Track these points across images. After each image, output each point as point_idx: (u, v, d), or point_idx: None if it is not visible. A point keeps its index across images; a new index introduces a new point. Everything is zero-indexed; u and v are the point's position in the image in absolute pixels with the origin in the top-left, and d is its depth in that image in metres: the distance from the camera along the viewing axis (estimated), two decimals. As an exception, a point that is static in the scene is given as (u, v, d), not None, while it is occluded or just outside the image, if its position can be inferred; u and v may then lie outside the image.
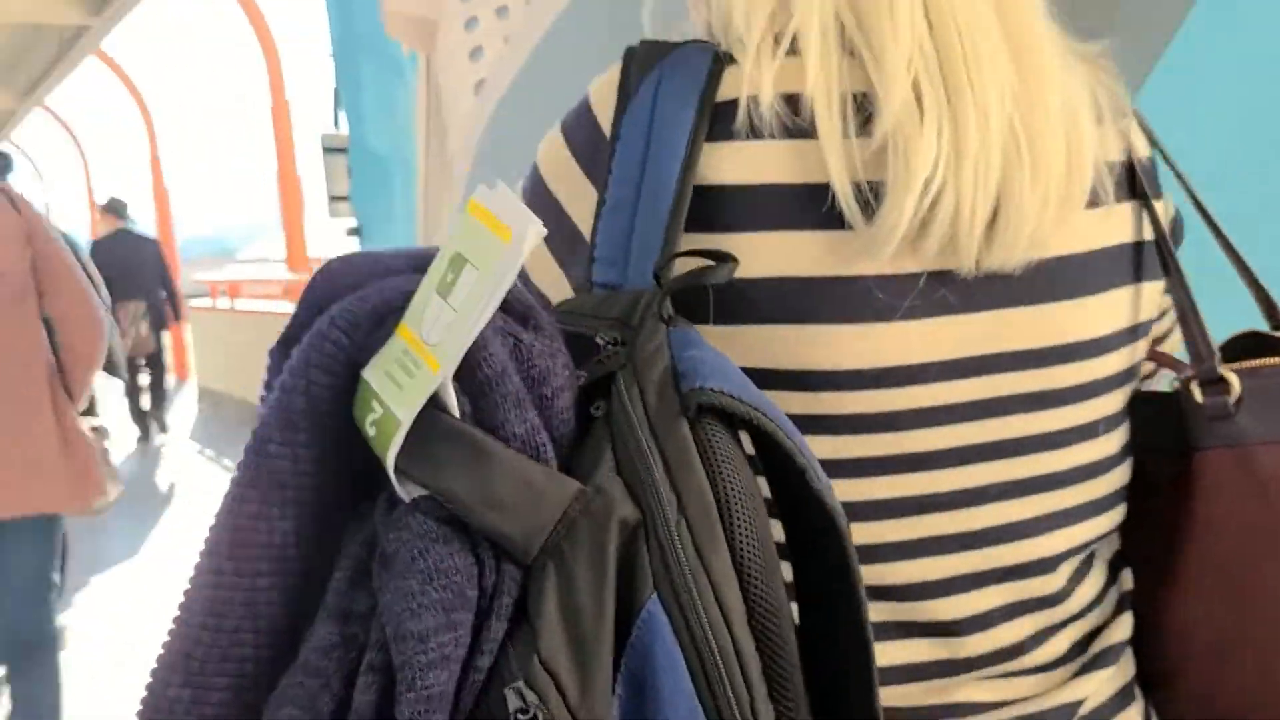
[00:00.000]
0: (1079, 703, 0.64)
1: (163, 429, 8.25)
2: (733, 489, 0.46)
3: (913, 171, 0.55)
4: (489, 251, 0.45)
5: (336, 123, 3.26)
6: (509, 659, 0.44)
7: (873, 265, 0.57)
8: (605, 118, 0.62)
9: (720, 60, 0.60)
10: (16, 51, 10.28)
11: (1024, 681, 0.64)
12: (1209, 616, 0.65)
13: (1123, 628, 0.67)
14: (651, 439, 0.47)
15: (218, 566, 0.48)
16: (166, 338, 8.11)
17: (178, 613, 0.49)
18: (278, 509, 0.48)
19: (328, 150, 3.34)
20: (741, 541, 0.46)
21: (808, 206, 0.57)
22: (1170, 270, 0.65)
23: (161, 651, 0.49)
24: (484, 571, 0.45)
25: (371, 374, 0.48)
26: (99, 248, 7.34)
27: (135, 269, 7.33)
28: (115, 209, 7.53)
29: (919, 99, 0.56)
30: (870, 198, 0.56)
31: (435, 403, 0.46)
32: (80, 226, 13.57)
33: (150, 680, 0.49)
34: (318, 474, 0.49)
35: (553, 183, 0.64)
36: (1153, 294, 0.66)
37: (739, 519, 0.46)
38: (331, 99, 3.20)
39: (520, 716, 0.42)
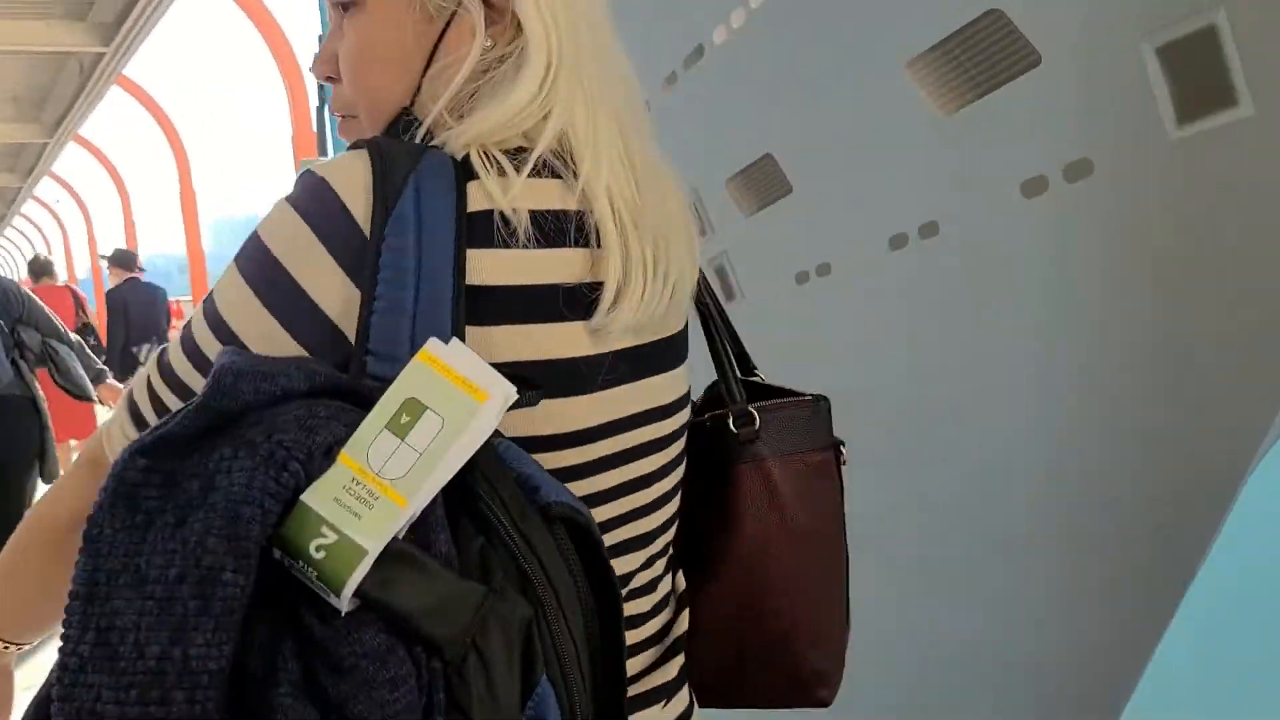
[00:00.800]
0: (671, 683, 0.85)
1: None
2: (584, 583, 0.61)
3: (635, 277, 0.72)
4: (456, 405, 0.54)
5: (318, 124, 3.08)
6: None
7: (582, 349, 0.72)
8: (362, 216, 0.65)
9: (461, 172, 0.68)
10: (43, 86, 10.36)
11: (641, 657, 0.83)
12: (733, 597, 0.87)
13: (684, 621, 0.88)
14: (527, 547, 0.58)
15: (164, 697, 0.49)
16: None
17: None
18: (225, 634, 0.50)
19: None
20: (595, 623, 0.61)
21: (547, 304, 0.70)
22: (720, 341, 0.91)
23: None
24: (420, 673, 0.52)
25: (315, 500, 0.52)
26: (112, 297, 7.28)
27: (147, 315, 7.27)
28: (120, 261, 7.49)
29: (626, 222, 0.73)
30: (595, 298, 0.72)
31: None
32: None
33: None
34: (252, 594, 0.51)
35: (292, 265, 0.66)
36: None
37: (589, 606, 0.61)
38: (317, 101, 3.02)
39: None
